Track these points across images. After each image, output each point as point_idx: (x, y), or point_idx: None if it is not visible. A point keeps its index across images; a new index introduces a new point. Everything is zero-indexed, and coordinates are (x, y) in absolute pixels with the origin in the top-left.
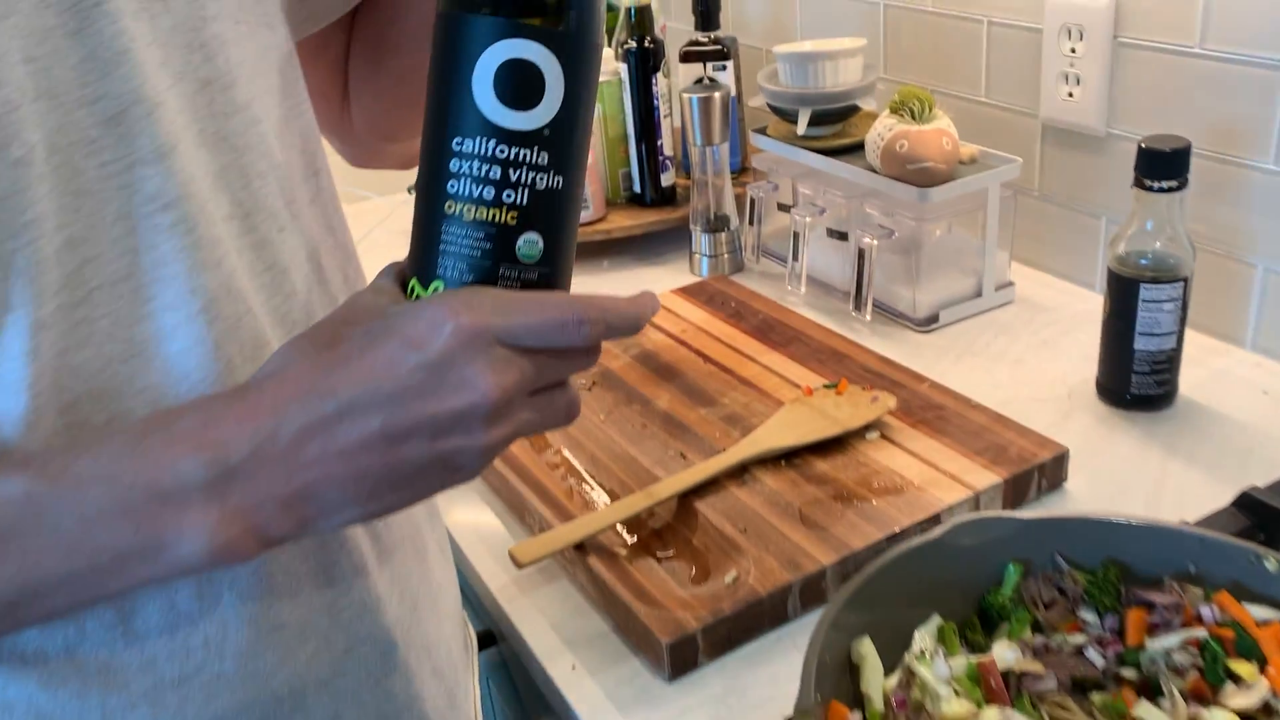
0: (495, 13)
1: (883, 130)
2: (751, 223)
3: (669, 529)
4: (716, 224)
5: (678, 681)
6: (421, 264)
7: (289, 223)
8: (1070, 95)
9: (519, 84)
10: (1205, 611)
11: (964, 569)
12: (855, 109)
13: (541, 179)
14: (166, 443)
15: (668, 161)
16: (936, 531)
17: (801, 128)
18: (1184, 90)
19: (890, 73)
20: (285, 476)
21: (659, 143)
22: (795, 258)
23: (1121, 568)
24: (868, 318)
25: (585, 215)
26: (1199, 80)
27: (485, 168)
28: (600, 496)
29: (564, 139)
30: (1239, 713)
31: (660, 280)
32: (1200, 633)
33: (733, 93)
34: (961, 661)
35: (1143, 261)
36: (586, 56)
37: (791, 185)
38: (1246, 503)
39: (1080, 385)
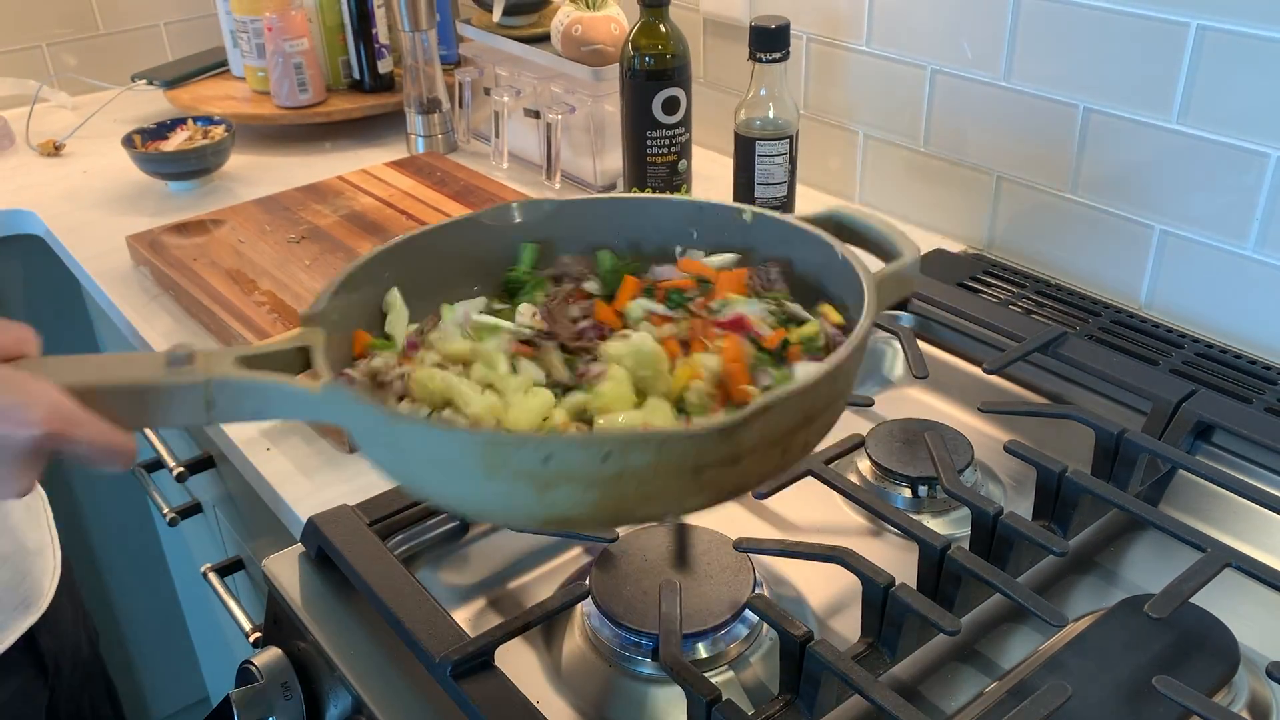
0: None
1: (562, 18)
2: (460, 105)
3: None
4: (429, 106)
5: (359, 453)
6: None
7: None
8: None
9: None
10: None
11: (491, 247)
12: (547, 1)
13: None
14: None
15: (384, 49)
16: (471, 214)
17: (496, 15)
18: None
19: None
20: None
21: (374, 31)
22: (497, 135)
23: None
24: (557, 185)
25: (305, 99)
26: None
27: None
28: None
29: None
30: None
31: (378, 160)
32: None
33: None
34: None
35: (757, 123)
36: None
37: (492, 71)
38: None
39: None
